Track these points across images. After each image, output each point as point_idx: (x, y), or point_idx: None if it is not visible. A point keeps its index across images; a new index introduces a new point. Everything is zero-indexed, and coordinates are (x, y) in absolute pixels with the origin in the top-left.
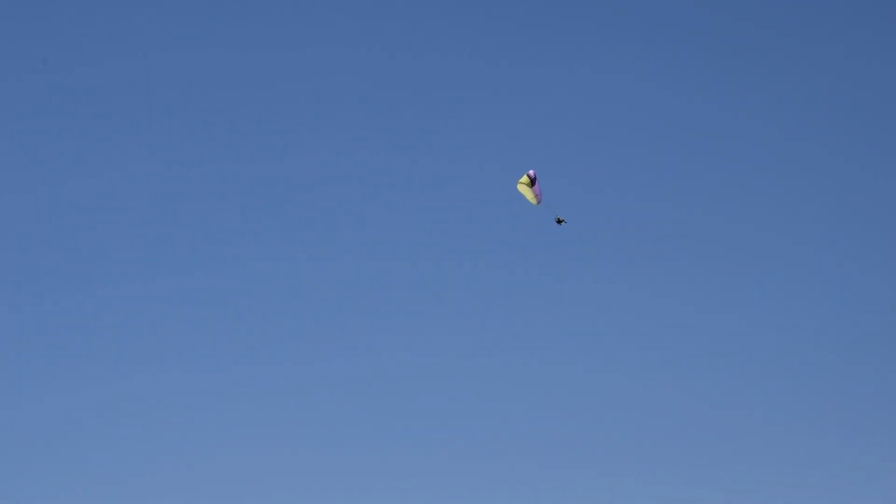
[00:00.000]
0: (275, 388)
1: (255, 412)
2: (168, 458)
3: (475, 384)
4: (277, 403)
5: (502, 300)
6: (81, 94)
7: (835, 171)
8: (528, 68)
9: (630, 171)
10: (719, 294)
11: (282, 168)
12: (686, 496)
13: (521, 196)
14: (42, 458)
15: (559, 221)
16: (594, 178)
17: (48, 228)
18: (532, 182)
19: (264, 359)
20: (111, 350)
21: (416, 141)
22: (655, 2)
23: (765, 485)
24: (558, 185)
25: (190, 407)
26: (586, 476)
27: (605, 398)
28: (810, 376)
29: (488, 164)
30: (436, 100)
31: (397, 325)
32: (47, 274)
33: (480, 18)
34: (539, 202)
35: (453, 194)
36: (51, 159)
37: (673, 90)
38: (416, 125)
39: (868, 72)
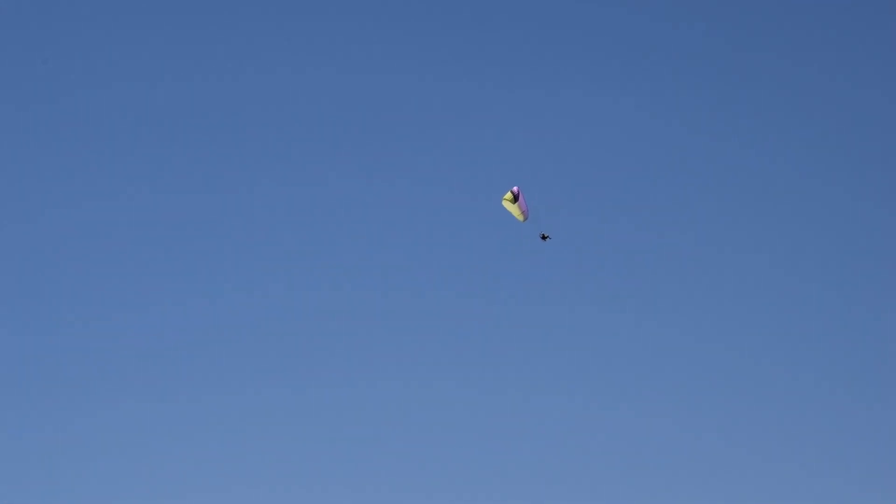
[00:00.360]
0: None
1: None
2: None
3: (457, 413)
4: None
5: (485, 325)
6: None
7: (829, 214)
8: (513, 90)
9: (621, 192)
10: (711, 320)
11: (255, 197)
12: None
13: (509, 213)
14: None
15: (544, 237)
16: (584, 197)
17: None
18: (515, 198)
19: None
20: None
21: (394, 165)
22: (647, 25)
23: None
24: (544, 203)
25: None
26: None
27: (583, 424)
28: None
29: (468, 185)
30: (410, 123)
31: (379, 353)
32: None
33: (451, 42)
34: (526, 218)
35: (436, 214)
36: None
37: (662, 112)
38: (392, 150)
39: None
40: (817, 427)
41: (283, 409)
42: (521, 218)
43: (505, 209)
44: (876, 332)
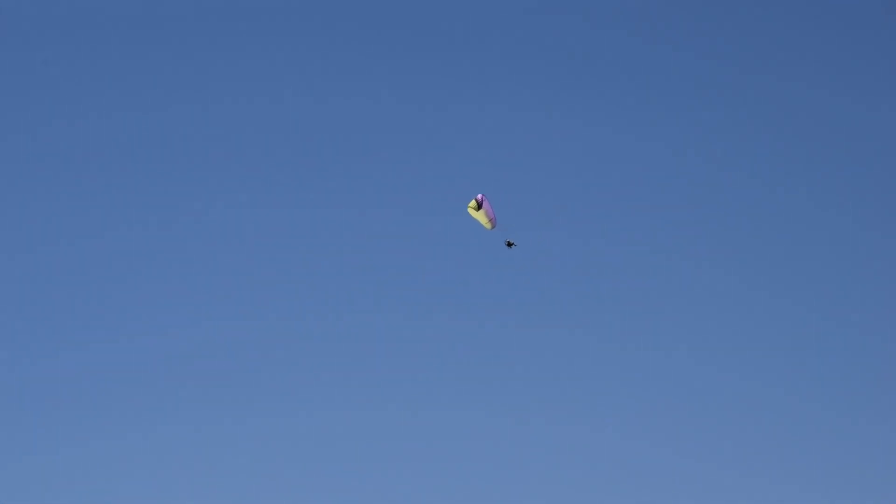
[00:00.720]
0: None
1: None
2: None
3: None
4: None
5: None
6: None
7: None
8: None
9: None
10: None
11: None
12: None
13: (476, 221)
14: None
15: (509, 244)
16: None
17: None
18: (479, 205)
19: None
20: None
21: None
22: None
23: None
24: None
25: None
26: None
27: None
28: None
29: (413, 205)
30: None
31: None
32: None
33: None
34: (493, 226)
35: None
36: None
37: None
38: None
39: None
40: (813, 435)
41: (251, 440)
42: (488, 226)
43: (473, 217)
44: (873, 337)
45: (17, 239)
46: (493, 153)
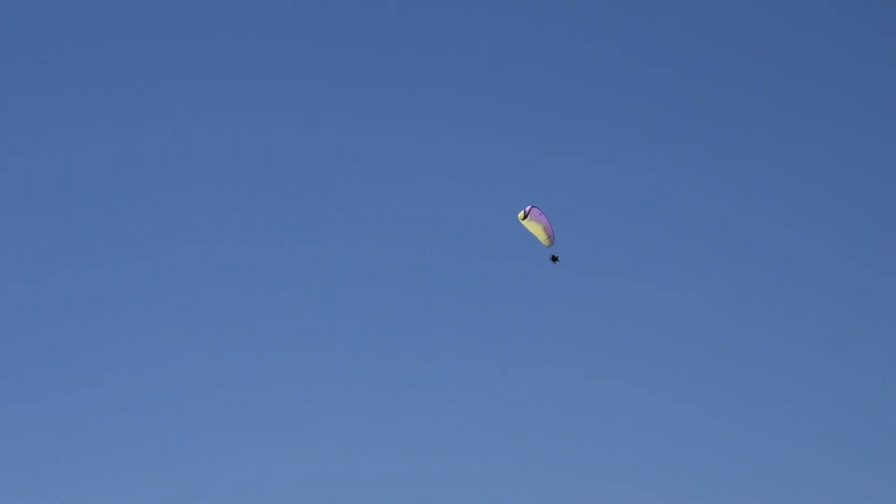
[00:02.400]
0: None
1: None
2: None
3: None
4: None
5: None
6: None
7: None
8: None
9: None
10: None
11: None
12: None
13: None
14: None
15: (554, 259)
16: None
17: None
18: (525, 215)
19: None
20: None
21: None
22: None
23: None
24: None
25: None
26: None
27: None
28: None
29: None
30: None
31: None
32: None
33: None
34: (551, 242)
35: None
36: None
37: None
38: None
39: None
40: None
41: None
42: (546, 242)
43: (528, 227)
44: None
45: None
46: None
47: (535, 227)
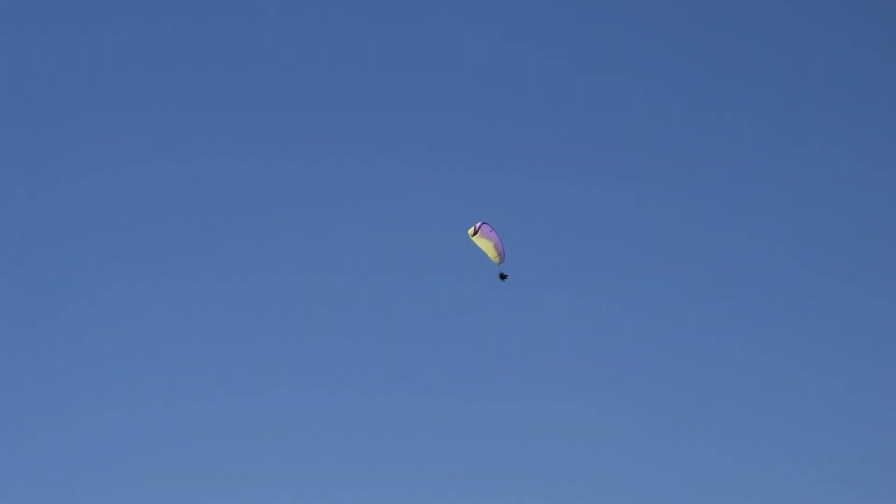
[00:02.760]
0: None
1: None
2: None
3: None
4: None
5: None
6: None
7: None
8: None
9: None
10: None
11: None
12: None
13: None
14: None
15: (502, 277)
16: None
17: None
18: (475, 231)
19: None
20: None
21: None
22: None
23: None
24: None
25: None
26: None
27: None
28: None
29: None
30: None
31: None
32: None
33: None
34: (501, 260)
35: None
36: None
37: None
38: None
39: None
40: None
41: None
42: (496, 259)
43: (476, 242)
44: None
45: None
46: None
47: (485, 244)
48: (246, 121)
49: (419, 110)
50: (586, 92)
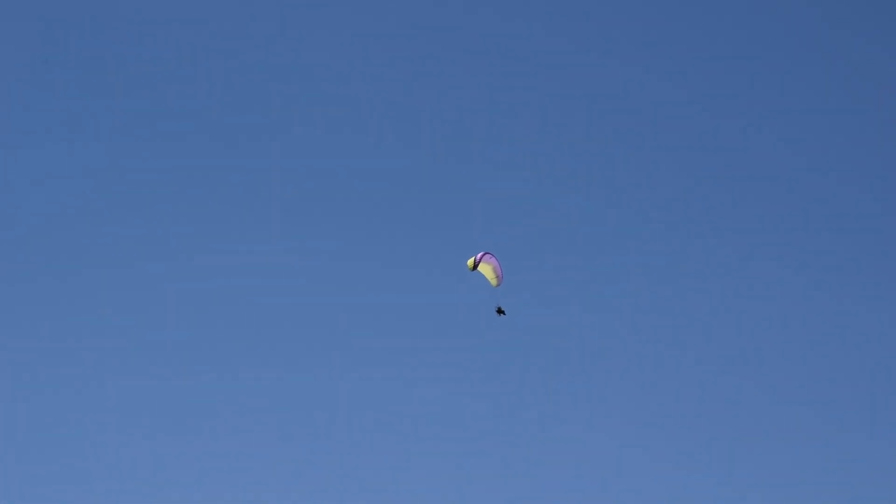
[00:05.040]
0: None
1: None
2: None
3: None
4: None
5: None
6: None
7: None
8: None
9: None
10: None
11: None
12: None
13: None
14: None
15: (500, 312)
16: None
17: None
18: (475, 264)
19: None
20: None
21: None
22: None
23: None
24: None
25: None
26: None
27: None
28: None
29: None
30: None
31: None
32: None
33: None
34: (499, 282)
35: None
36: None
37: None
38: None
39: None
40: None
41: None
42: (494, 282)
43: (479, 272)
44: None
45: None
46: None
47: (484, 269)
48: None
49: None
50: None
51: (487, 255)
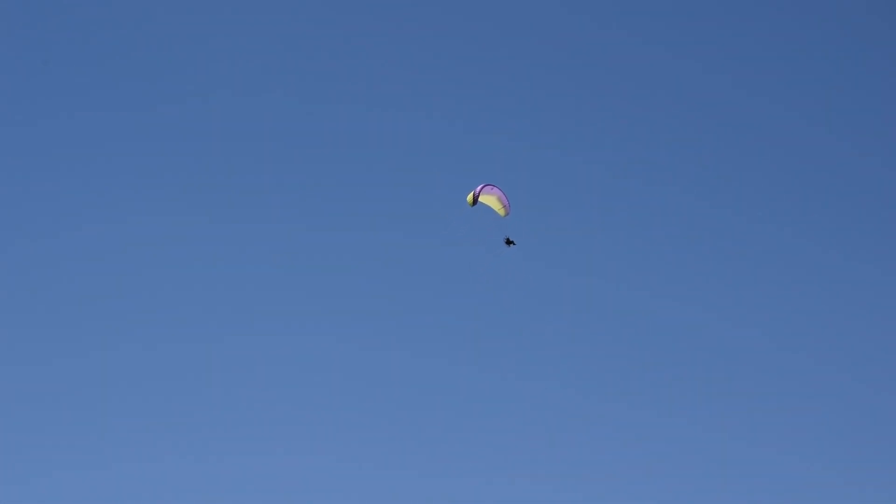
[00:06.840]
0: None
1: None
2: None
3: None
4: None
5: None
6: None
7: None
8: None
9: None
10: None
11: None
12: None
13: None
14: None
15: (508, 243)
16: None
17: None
18: (475, 199)
19: None
20: None
21: None
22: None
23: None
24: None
25: None
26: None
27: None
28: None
29: None
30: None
31: None
32: None
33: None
34: (507, 212)
35: None
36: None
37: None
38: None
39: None
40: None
41: None
42: (501, 211)
43: (483, 205)
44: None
45: None
46: None
47: (489, 200)
48: None
49: None
50: None
51: (488, 187)
